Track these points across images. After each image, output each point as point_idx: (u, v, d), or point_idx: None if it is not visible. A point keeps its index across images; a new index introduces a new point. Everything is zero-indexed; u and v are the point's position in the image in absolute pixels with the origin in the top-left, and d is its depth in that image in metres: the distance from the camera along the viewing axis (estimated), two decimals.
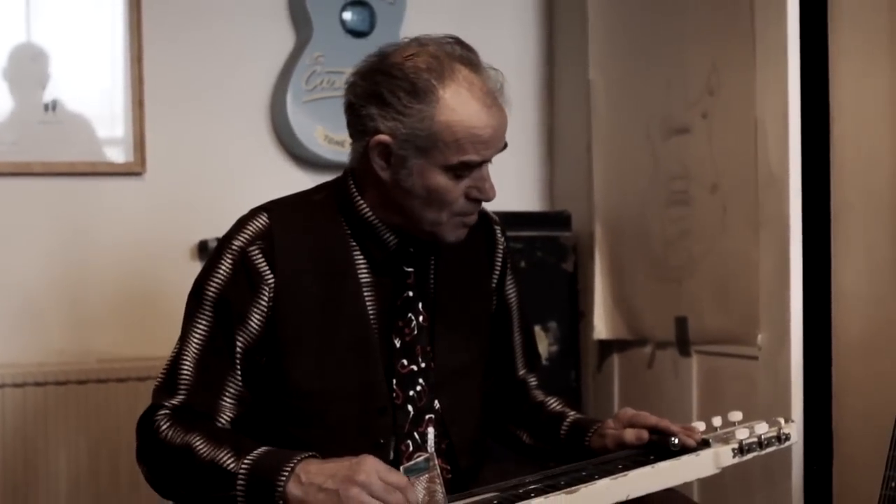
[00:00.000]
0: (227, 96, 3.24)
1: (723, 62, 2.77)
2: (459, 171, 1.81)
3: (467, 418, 1.97)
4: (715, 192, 2.81)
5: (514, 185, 3.44)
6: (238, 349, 1.84)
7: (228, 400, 1.84)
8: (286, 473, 1.67)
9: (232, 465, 1.72)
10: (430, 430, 1.91)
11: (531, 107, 3.55)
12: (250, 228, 1.86)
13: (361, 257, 1.90)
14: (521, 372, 2.14)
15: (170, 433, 1.79)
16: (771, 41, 2.59)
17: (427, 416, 1.91)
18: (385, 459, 1.84)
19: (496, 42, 3.26)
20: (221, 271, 1.85)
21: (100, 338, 3.10)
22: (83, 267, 3.10)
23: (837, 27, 2.55)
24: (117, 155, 3.14)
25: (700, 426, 1.93)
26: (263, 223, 1.87)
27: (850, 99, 2.53)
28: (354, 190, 1.90)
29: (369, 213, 1.89)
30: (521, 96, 3.44)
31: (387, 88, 1.81)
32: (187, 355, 1.84)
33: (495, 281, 2.07)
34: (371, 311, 1.89)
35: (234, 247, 1.86)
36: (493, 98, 1.83)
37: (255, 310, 1.84)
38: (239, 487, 1.70)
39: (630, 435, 1.90)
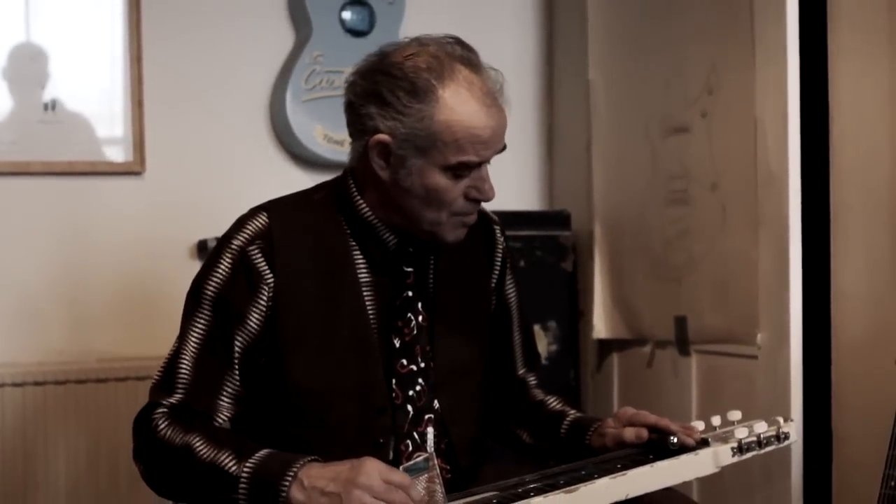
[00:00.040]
0: (227, 96, 3.24)
1: (722, 62, 2.77)
2: (458, 171, 1.81)
3: (467, 418, 1.97)
4: (714, 191, 2.81)
5: (513, 185, 3.44)
6: (237, 349, 1.84)
7: (226, 399, 1.84)
8: (289, 478, 1.67)
9: (234, 468, 1.71)
10: (430, 430, 1.91)
11: (531, 106, 3.55)
12: (250, 228, 1.86)
13: (361, 257, 1.90)
14: (521, 371, 2.14)
15: (168, 432, 1.79)
16: (770, 41, 2.59)
17: (426, 416, 1.91)
18: (384, 459, 1.84)
19: (496, 42, 3.27)
20: (221, 270, 1.85)
21: (99, 337, 3.10)
22: (83, 266, 3.10)
23: (837, 27, 2.55)
24: (117, 154, 3.14)
25: (699, 425, 1.93)
26: (263, 223, 1.87)
27: (849, 98, 2.53)
28: (354, 189, 1.90)
29: (369, 213, 1.89)
30: (521, 96, 3.44)
31: (387, 88, 1.81)
32: (186, 354, 1.84)
33: (495, 281, 2.07)
34: (370, 311, 1.89)
35: (233, 246, 1.86)
36: (493, 98, 1.83)
37: (255, 309, 1.84)
38: (241, 491, 1.70)
39: (630, 433, 1.91)
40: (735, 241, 2.74)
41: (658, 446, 1.88)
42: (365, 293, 1.89)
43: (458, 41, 1.86)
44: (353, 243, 1.90)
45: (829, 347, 2.58)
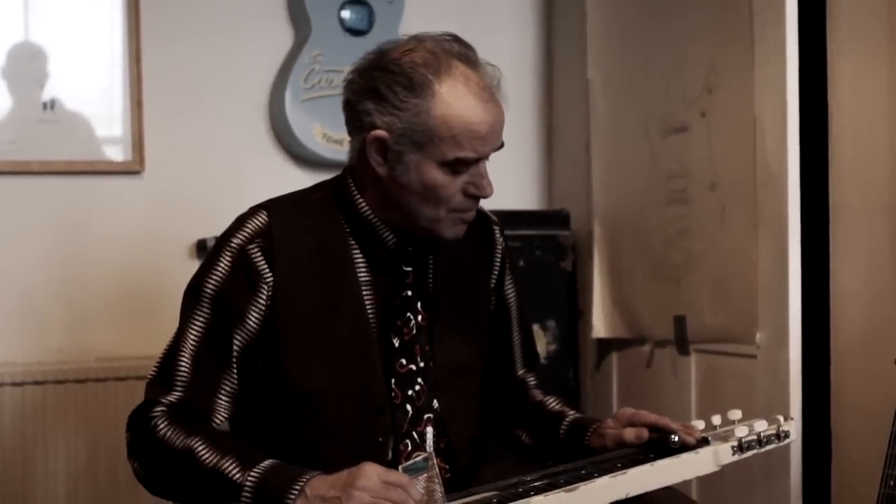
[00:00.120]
0: (226, 95, 3.23)
1: (722, 61, 2.77)
2: (456, 166, 1.81)
3: (466, 418, 1.97)
4: (714, 190, 2.81)
5: (512, 184, 3.44)
6: (235, 347, 1.84)
7: (224, 399, 1.84)
8: (295, 492, 1.67)
9: (237, 476, 1.71)
10: (429, 430, 1.91)
11: (530, 106, 3.55)
12: (249, 226, 1.86)
13: (360, 256, 1.90)
14: (520, 371, 2.14)
15: (168, 433, 1.78)
16: (770, 40, 2.59)
17: (426, 416, 1.91)
18: (384, 458, 1.85)
19: (495, 41, 3.26)
20: (220, 269, 1.85)
21: (99, 336, 3.10)
22: (82, 266, 3.10)
23: (836, 26, 2.55)
24: (116, 154, 3.14)
25: (699, 424, 1.93)
26: (262, 221, 1.87)
27: (848, 98, 2.53)
28: (353, 188, 1.90)
29: (368, 212, 1.89)
30: (520, 95, 3.44)
31: (383, 83, 1.81)
32: (184, 352, 1.84)
33: (494, 281, 2.07)
34: (370, 310, 1.89)
35: (233, 244, 1.85)
36: (490, 93, 1.83)
37: (254, 308, 1.84)
38: (244, 499, 1.70)
39: (630, 434, 1.90)
40: (734, 240, 2.74)
41: (658, 445, 1.88)
42: (364, 292, 1.89)
43: (456, 38, 1.86)
44: (353, 242, 1.90)
45: (828, 347, 2.58)
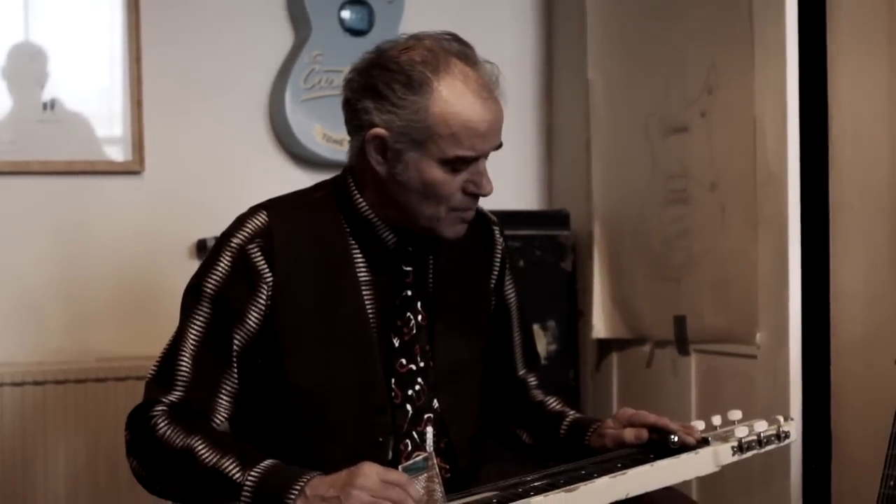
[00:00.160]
0: (226, 95, 3.24)
1: (722, 61, 2.77)
2: (455, 164, 1.81)
3: (466, 418, 1.97)
4: (714, 190, 2.81)
5: (512, 184, 3.44)
6: (235, 347, 1.84)
7: (225, 398, 1.84)
8: (295, 493, 1.67)
9: (237, 475, 1.71)
10: (429, 430, 1.91)
11: (530, 106, 3.55)
12: (249, 226, 1.86)
13: (360, 256, 1.90)
14: (521, 371, 2.14)
15: (168, 432, 1.78)
16: (770, 40, 2.59)
17: (426, 416, 1.91)
18: (384, 458, 1.85)
19: (495, 41, 3.27)
20: (220, 268, 1.85)
21: (99, 336, 3.10)
22: (82, 266, 3.10)
23: (836, 27, 2.55)
24: (116, 154, 3.14)
25: (699, 425, 1.93)
26: (262, 221, 1.87)
27: (848, 98, 2.53)
28: (353, 188, 1.90)
29: (368, 211, 1.89)
30: (520, 95, 3.44)
31: (382, 81, 1.81)
32: (184, 351, 1.84)
33: (494, 281, 2.07)
34: (370, 310, 1.89)
35: (233, 244, 1.85)
36: (489, 91, 1.83)
37: (254, 308, 1.84)
38: (244, 499, 1.70)
39: (630, 434, 1.90)
40: (734, 240, 2.74)
41: (658, 445, 1.88)
42: (364, 292, 1.89)
43: (455, 37, 1.86)
44: (353, 242, 1.90)
45: (828, 347, 2.59)
